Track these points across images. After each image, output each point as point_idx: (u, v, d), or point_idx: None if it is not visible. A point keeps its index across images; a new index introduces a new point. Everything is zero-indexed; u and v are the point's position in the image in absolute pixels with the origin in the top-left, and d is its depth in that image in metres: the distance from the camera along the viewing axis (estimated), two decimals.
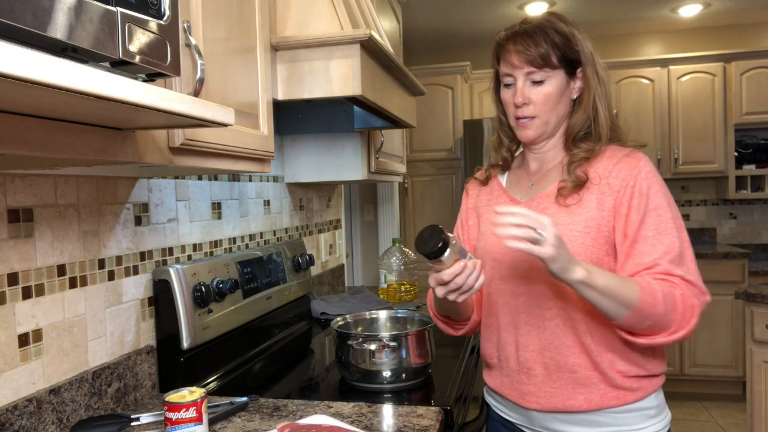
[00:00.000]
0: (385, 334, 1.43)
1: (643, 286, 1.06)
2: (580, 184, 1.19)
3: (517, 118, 1.24)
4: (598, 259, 1.14)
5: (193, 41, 0.95)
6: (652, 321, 1.07)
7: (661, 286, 1.07)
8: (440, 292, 1.09)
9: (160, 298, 1.41)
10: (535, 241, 0.99)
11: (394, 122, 2.00)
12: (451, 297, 1.08)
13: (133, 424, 1.19)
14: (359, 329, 1.59)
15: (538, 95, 1.20)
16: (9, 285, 1.06)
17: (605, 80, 1.24)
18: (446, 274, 1.05)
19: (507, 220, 1.00)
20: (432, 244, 1.03)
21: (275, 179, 2.17)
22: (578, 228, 1.16)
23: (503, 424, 1.33)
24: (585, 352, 1.16)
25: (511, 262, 1.22)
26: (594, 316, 1.16)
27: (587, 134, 1.23)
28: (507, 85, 1.25)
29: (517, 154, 1.36)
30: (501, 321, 1.26)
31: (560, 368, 1.18)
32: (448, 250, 1.03)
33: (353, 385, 1.43)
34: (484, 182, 1.38)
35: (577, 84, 1.23)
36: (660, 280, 1.09)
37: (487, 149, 4.00)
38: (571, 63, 1.21)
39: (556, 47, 1.19)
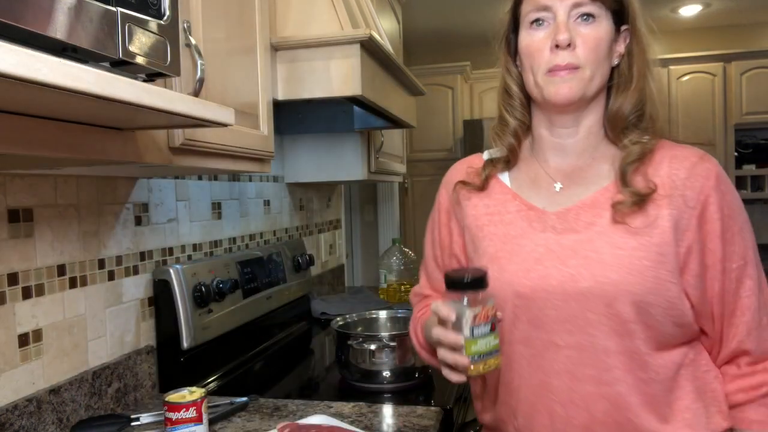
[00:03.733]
0: (385, 334, 1.43)
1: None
2: (643, 198, 0.88)
3: (553, 70, 0.90)
4: (673, 305, 0.87)
5: (193, 41, 0.95)
6: None
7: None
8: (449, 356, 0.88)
9: (160, 298, 1.41)
10: None
11: (394, 122, 2.00)
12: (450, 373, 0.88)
13: (133, 424, 1.19)
14: (359, 329, 1.59)
15: (587, 36, 0.89)
16: (9, 285, 1.06)
17: (651, 47, 0.95)
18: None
19: None
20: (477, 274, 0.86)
21: (275, 179, 2.17)
22: (649, 256, 0.86)
23: None
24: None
25: (548, 299, 0.89)
26: (673, 371, 0.89)
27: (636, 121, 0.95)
28: (537, 25, 0.93)
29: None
30: (525, 381, 0.93)
31: None
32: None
33: (353, 385, 1.43)
34: (481, 188, 1.03)
35: (620, 46, 0.94)
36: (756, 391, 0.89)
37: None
38: (617, 13, 0.92)
39: None
